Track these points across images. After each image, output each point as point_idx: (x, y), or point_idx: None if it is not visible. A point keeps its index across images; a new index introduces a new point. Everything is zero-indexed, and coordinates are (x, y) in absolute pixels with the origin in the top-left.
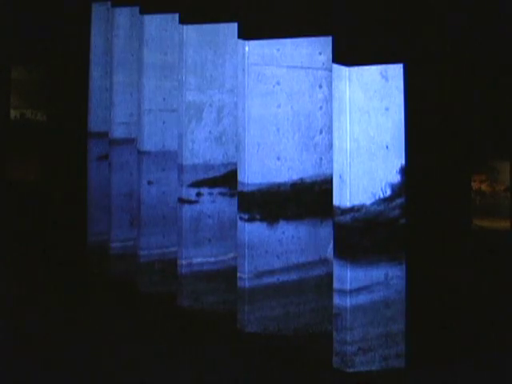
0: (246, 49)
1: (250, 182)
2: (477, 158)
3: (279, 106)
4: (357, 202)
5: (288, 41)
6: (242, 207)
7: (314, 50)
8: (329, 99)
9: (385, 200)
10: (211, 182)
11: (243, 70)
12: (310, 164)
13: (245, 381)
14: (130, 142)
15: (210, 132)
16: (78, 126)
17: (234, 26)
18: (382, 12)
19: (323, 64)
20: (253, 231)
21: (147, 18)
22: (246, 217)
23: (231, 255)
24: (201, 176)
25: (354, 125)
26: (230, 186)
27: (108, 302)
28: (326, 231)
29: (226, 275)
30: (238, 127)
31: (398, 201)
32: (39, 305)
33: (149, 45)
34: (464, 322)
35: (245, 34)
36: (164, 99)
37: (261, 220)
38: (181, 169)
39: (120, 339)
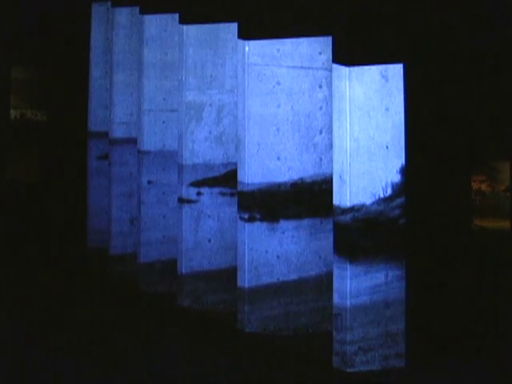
0: (246, 49)
1: (250, 181)
2: (477, 158)
3: (279, 106)
4: (357, 201)
5: (288, 41)
6: (242, 207)
7: (314, 49)
8: (329, 99)
9: (385, 200)
10: (211, 182)
11: (243, 70)
12: (310, 164)
13: (245, 381)
14: (130, 141)
15: (209, 132)
16: (78, 126)
17: (234, 26)
18: (382, 12)
19: (323, 64)
20: (253, 231)
21: (147, 17)
22: (246, 216)
23: (231, 255)
24: (201, 176)
25: (354, 125)
26: (230, 186)
27: (108, 301)
28: (326, 231)
29: (226, 275)
30: (238, 127)
31: (398, 201)
32: (40, 305)
33: (149, 45)
34: (464, 321)
35: (245, 34)
36: (164, 99)
37: (261, 220)
38: (181, 169)
39: (120, 338)
